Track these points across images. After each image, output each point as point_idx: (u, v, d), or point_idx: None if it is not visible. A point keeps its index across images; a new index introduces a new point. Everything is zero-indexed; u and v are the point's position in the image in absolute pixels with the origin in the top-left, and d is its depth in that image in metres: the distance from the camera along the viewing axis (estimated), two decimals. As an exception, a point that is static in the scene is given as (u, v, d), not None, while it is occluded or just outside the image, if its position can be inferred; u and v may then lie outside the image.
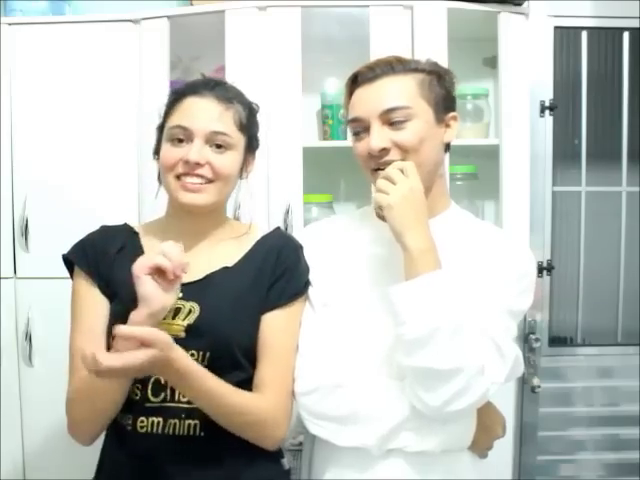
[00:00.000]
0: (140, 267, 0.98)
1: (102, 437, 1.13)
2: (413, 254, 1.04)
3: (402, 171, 1.07)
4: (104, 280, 1.11)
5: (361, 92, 1.13)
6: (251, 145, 1.17)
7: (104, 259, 1.12)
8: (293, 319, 1.14)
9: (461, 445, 1.14)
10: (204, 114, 1.09)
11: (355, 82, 1.15)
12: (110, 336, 1.10)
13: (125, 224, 1.21)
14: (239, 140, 1.12)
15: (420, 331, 1.01)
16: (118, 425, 1.09)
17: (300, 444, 1.42)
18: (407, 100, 1.10)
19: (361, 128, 1.13)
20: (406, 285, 1.04)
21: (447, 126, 1.15)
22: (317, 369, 1.11)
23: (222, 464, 1.08)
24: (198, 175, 1.08)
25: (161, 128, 1.14)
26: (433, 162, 1.13)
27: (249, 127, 1.14)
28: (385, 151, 1.10)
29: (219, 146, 1.09)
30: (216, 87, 1.12)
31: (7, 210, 1.75)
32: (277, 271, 1.12)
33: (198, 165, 1.07)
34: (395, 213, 1.05)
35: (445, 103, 1.14)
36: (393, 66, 1.12)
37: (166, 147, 1.10)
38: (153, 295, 0.97)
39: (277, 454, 1.17)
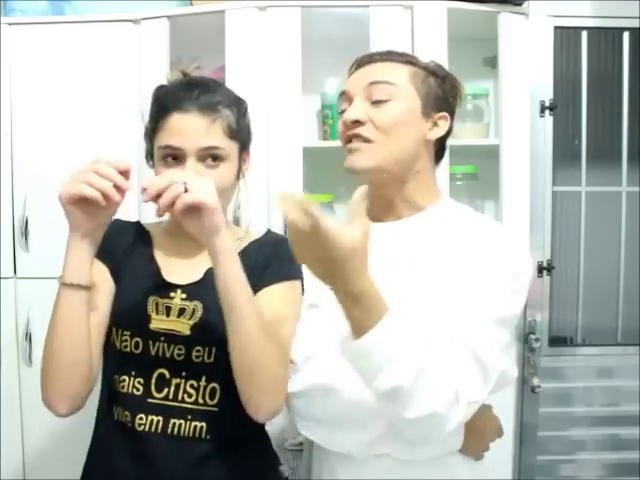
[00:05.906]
0: (66, 197, 0.98)
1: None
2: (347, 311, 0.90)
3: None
4: (113, 265, 1.11)
5: (355, 73, 1.15)
6: (245, 145, 1.15)
7: (115, 251, 1.13)
8: (289, 296, 1.11)
9: (450, 450, 1.11)
10: (192, 131, 1.06)
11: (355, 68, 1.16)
12: (111, 322, 1.10)
13: (138, 222, 1.22)
14: (231, 148, 1.10)
15: (383, 387, 0.93)
16: (117, 422, 1.08)
17: (300, 444, 1.42)
18: (395, 79, 1.09)
19: (346, 104, 1.13)
20: (353, 345, 0.92)
21: (435, 124, 1.13)
22: (308, 371, 1.08)
23: (222, 469, 1.08)
24: None
25: (149, 134, 1.13)
26: (405, 151, 1.10)
27: (239, 130, 1.12)
28: (359, 124, 1.09)
29: (214, 158, 1.07)
30: (200, 96, 1.08)
31: (7, 210, 1.75)
32: (269, 259, 1.13)
33: None
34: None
35: (437, 102, 1.12)
36: (392, 54, 1.13)
37: (160, 167, 1.08)
38: (81, 222, 0.99)
39: (276, 461, 1.18)
